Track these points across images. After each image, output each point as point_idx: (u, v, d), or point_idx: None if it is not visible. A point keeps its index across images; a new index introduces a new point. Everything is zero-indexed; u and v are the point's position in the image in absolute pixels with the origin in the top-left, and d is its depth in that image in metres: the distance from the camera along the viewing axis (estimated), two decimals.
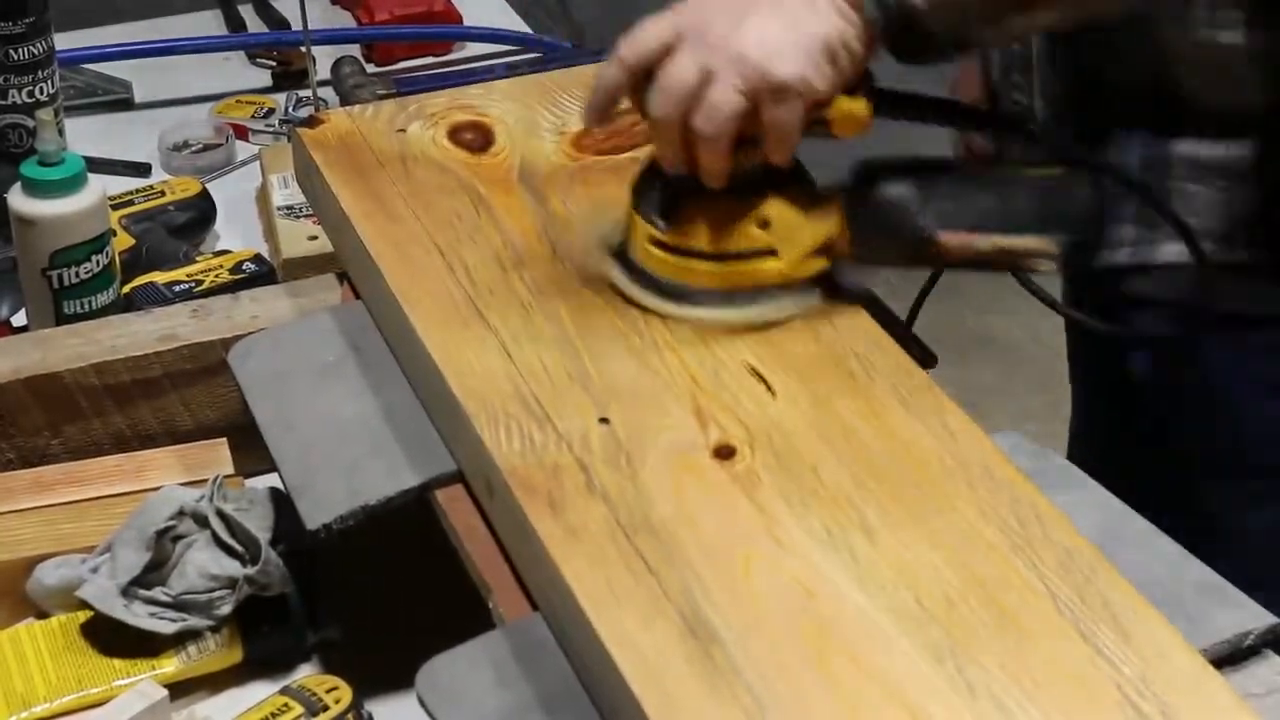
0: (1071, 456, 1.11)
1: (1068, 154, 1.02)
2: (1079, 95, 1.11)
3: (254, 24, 1.83)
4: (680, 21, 0.93)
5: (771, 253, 0.96)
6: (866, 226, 0.97)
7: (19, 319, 1.29)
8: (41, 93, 1.47)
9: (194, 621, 0.98)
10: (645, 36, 0.94)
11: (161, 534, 0.98)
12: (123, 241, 1.35)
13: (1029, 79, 1.13)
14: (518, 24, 1.84)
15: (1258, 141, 1.05)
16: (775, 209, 0.96)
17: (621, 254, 1.00)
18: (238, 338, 1.10)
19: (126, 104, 1.68)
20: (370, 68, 1.70)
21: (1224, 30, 1.02)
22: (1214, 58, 1.03)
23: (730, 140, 0.93)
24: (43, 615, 1.01)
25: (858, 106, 0.95)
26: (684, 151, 0.94)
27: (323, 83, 1.61)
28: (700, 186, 0.95)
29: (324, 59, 1.66)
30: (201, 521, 0.99)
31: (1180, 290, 1.08)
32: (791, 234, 0.96)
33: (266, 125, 1.61)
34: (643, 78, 0.94)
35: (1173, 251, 1.07)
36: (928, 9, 0.92)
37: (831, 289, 0.98)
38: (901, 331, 1.00)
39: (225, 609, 0.98)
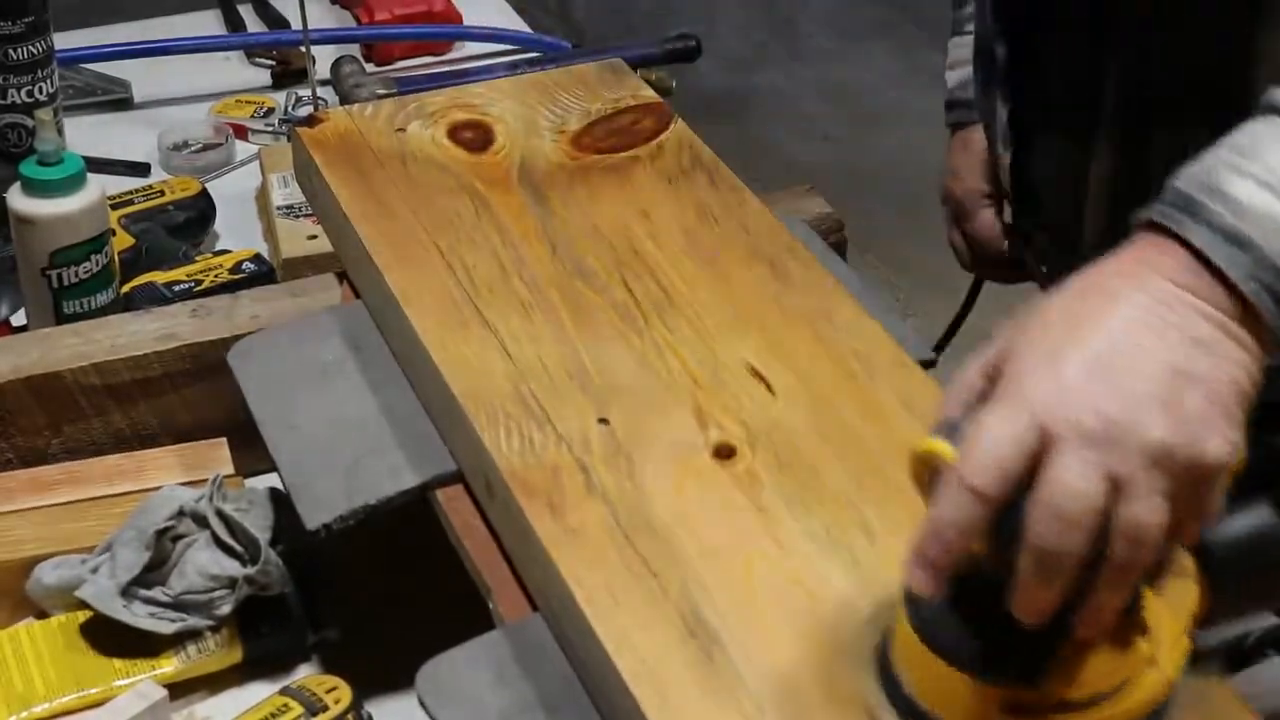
0: None
1: None
2: None
3: (253, 23, 1.83)
4: (1038, 406, 0.67)
5: (1152, 663, 0.72)
6: (1228, 575, 0.75)
7: (19, 318, 1.29)
8: (41, 92, 1.47)
9: (194, 621, 0.97)
10: (994, 444, 0.67)
11: (161, 534, 0.98)
12: (122, 241, 1.35)
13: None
14: (517, 24, 1.84)
15: None
16: (1150, 604, 0.72)
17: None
18: (237, 337, 1.09)
19: (126, 103, 1.67)
20: (370, 67, 1.70)
21: None
22: None
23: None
24: (42, 615, 1.01)
25: None
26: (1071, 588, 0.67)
27: (322, 82, 1.61)
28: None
29: (324, 58, 1.66)
30: (201, 521, 0.99)
31: None
32: (1167, 626, 0.73)
33: (266, 125, 1.61)
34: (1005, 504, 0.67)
35: None
36: None
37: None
38: None
39: (225, 609, 0.98)
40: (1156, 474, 0.66)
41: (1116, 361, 0.67)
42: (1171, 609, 0.73)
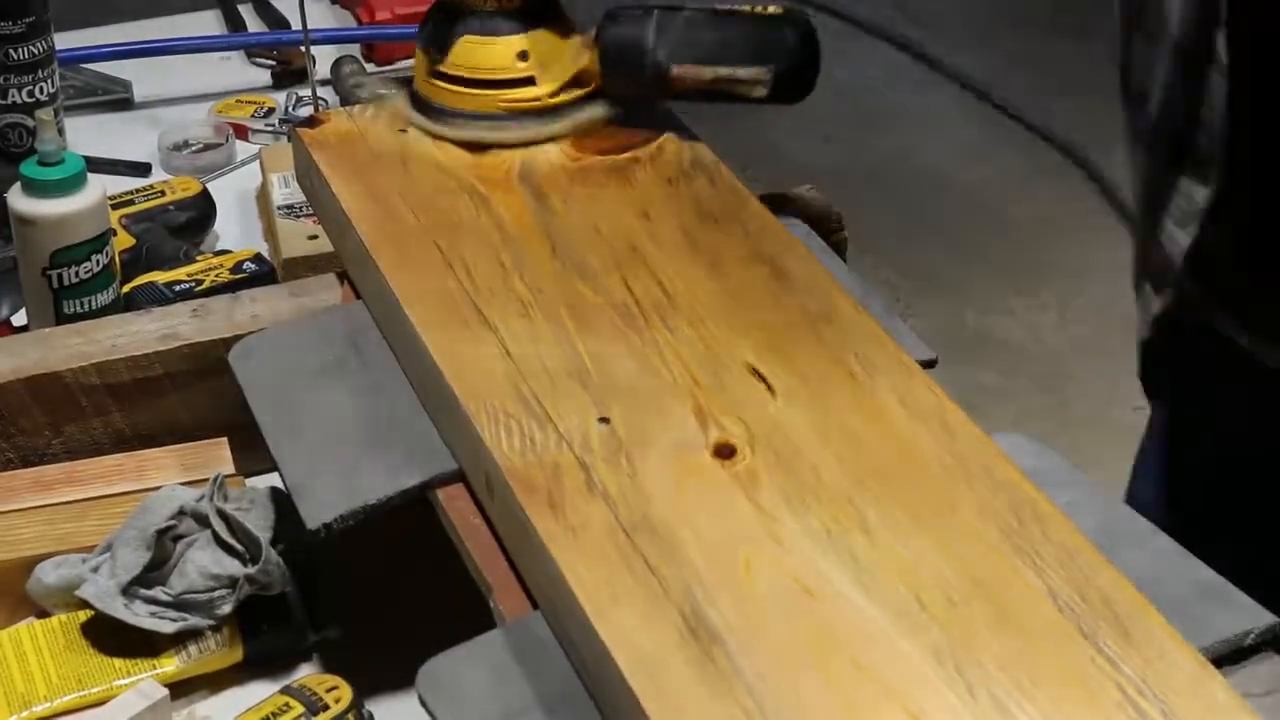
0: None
1: None
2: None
3: (254, 23, 1.83)
4: None
5: (530, 81, 1.11)
6: (612, 61, 1.11)
7: (19, 319, 1.30)
8: (41, 92, 1.47)
9: (194, 621, 0.98)
10: None
11: (162, 533, 0.98)
12: (123, 241, 1.35)
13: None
14: None
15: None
16: (532, 42, 1.11)
17: (413, 94, 1.16)
18: (238, 337, 1.10)
19: (126, 103, 1.68)
20: (370, 67, 1.70)
21: None
22: None
23: None
24: (43, 614, 1.01)
25: None
26: None
27: (323, 82, 1.61)
28: (472, 21, 1.11)
29: (324, 58, 1.66)
30: (202, 521, 0.99)
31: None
32: (547, 65, 1.12)
33: (266, 125, 1.61)
34: None
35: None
36: None
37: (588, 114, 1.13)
38: None
39: (226, 608, 0.98)
40: None
41: None
42: (565, 61, 1.12)
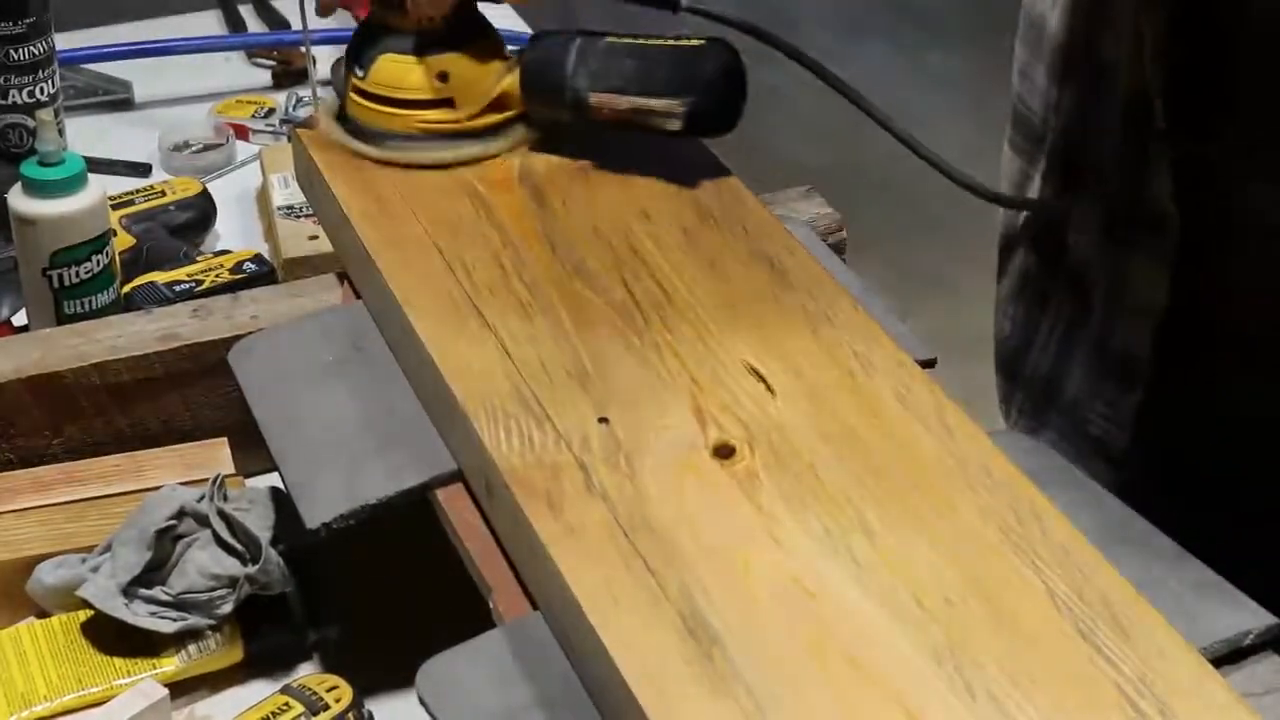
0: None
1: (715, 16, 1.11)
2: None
3: (254, 24, 1.83)
4: None
5: (449, 103, 1.10)
6: (533, 86, 1.10)
7: (19, 319, 1.30)
8: (42, 93, 1.47)
9: (194, 621, 0.98)
10: None
11: (162, 533, 0.98)
12: (123, 241, 1.35)
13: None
14: (518, 24, 1.84)
15: None
16: (453, 63, 1.09)
17: (341, 110, 1.15)
18: (238, 337, 1.10)
19: (127, 104, 1.68)
20: None
21: None
22: None
23: None
24: (43, 614, 1.01)
25: None
26: None
27: (323, 83, 1.61)
28: (393, 40, 1.11)
29: (324, 59, 1.66)
30: (202, 521, 1.00)
31: None
32: (468, 88, 1.10)
33: (267, 125, 1.61)
34: None
35: None
36: None
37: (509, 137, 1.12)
38: None
39: (226, 608, 0.98)
40: None
41: None
42: (486, 84, 1.10)
